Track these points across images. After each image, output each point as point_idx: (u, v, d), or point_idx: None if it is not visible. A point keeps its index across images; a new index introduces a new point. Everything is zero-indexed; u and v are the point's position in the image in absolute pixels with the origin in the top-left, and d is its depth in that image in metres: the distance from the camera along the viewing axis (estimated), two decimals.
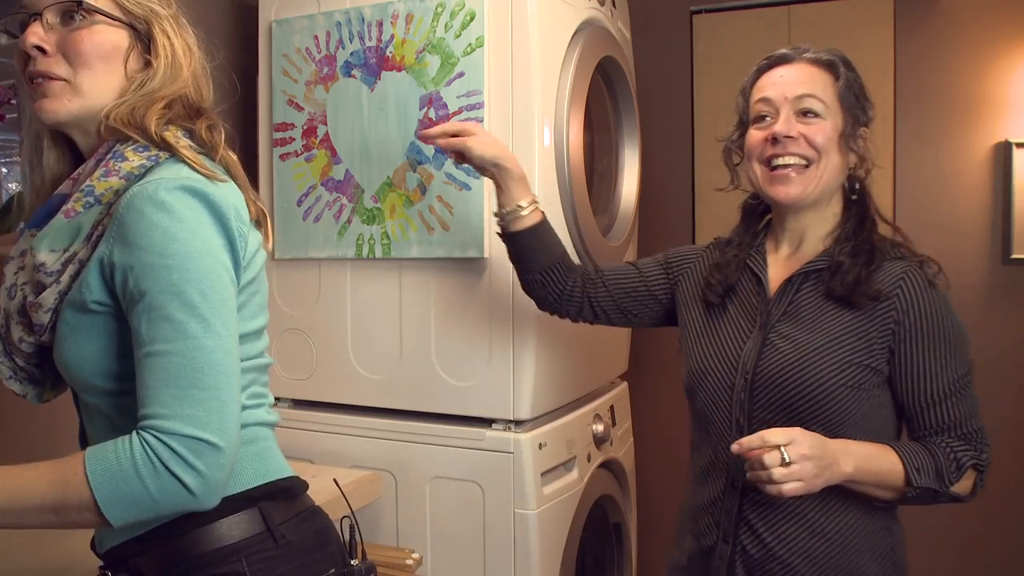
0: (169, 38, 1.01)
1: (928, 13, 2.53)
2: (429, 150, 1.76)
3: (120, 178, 0.93)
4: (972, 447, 1.20)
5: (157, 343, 0.88)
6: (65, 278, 0.93)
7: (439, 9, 1.74)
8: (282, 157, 1.95)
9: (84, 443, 1.04)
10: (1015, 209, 2.45)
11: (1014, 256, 2.46)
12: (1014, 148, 2.44)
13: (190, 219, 0.91)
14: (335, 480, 1.42)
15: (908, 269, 1.21)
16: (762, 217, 1.38)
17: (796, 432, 1.10)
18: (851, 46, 2.69)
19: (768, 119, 1.26)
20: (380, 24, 1.81)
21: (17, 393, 1.03)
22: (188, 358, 0.88)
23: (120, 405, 0.95)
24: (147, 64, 1.00)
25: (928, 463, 1.17)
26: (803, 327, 1.23)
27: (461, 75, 1.72)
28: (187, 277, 0.89)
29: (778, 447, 1.07)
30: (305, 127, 1.91)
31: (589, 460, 1.95)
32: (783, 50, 1.29)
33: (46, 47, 0.95)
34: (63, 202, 0.95)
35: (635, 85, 2.19)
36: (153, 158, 0.95)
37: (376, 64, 1.82)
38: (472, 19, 1.71)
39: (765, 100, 1.26)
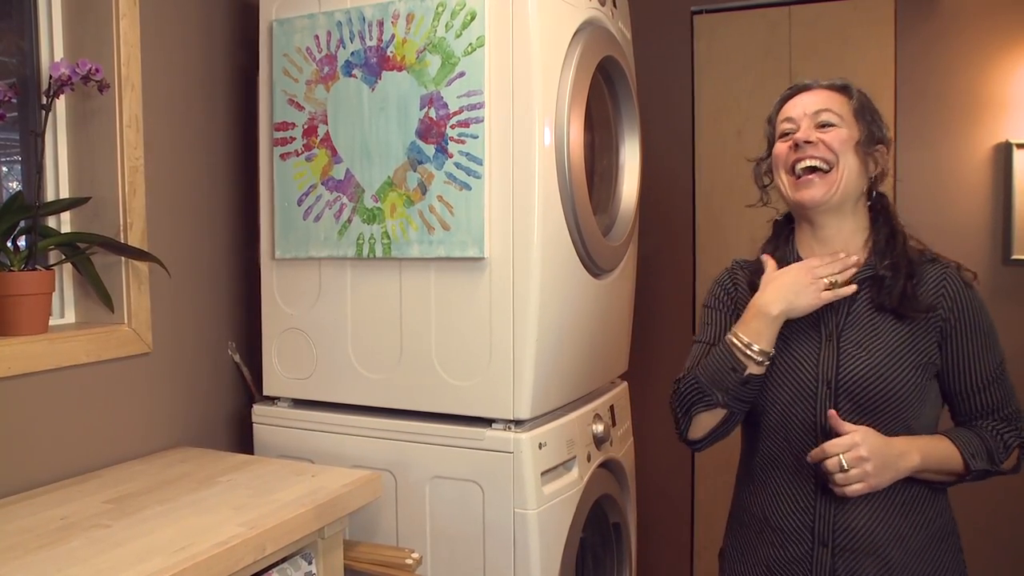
0: None
1: (928, 13, 2.53)
2: (430, 149, 1.76)
3: None
4: (1014, 427, 1.35)
5: None
6: None
7: (440, 9, 1.74)
8: (283, 156, 1.95)
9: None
10: (1015, 210, 2.46)
11: (1014, 257, 2.46)
12: (1014, 148, 2.45)
13: None
14: None
15: (946, 276, 1.36)
16: (789, 234, 1.49)
17: (858, 436, 1.24)
18: (851, 46, 2.71)
19: (791, 133, 1.40)
20: (381, 24, 1.81)
21: None
22: None
23: None
24: None
25: (980, 447, 1.32)
26: (868, 335, 1.35)
27: (462, 75, 1.72)
28: None
29: (837, 455, 1.23)
30: (306, 126, 1.91)
31: (589, 460, 1.95)
32: (803, 81, 1.46)
33: None
34: None
35: (636, 85, 2.19)
36: None
37: (377, 64, 1.82)
38: (473, 19, 1.71)
39: (788, 119, 1.41)
